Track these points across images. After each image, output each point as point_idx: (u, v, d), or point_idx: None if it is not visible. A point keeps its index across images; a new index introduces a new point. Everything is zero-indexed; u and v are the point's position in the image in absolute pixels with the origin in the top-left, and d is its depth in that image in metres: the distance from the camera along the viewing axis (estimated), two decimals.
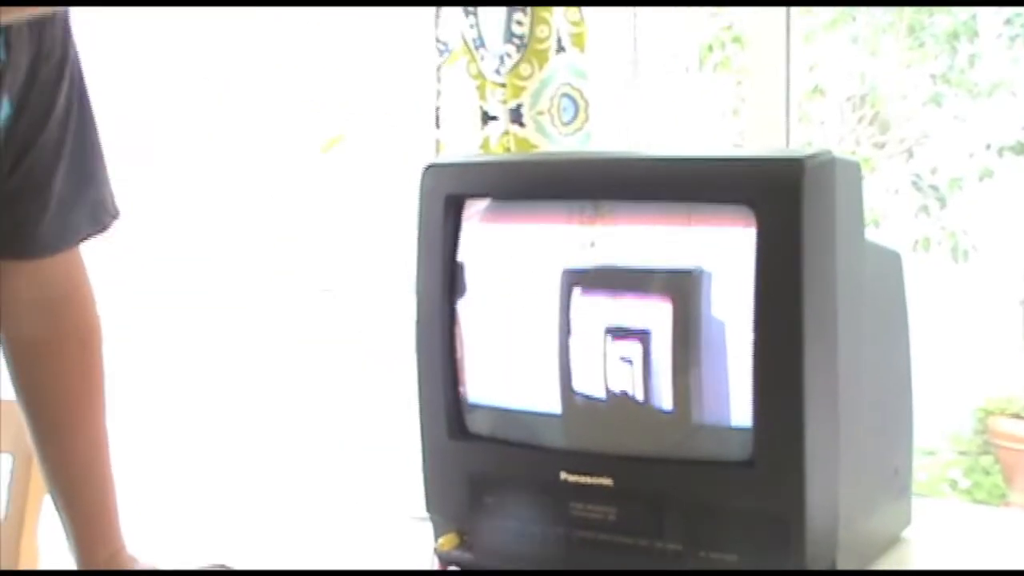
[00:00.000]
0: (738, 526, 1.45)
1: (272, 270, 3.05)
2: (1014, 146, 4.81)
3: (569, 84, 2.36)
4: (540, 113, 2.35)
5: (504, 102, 2.36)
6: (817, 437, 1.41)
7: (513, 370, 1.61)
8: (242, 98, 3.04)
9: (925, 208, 4.72)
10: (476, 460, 1.63)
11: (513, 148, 2.35)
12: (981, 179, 4.73)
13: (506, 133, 2.36)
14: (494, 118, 2.38)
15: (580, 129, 2.37)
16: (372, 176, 2.99)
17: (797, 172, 1.41)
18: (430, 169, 1.65)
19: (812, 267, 1.40)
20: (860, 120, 4.83)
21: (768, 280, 1.41)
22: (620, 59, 2.60)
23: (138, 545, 1.62)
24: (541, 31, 2.34)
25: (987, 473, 4.61)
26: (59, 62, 1.48)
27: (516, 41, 2.33)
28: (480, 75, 2.38)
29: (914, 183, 4.77)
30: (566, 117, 2.38)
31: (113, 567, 1.59)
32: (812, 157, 1.43)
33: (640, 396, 1.49)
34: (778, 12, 2.40)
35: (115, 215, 1.59)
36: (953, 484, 4.53)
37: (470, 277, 1.62)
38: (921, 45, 4.76)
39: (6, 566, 1.82)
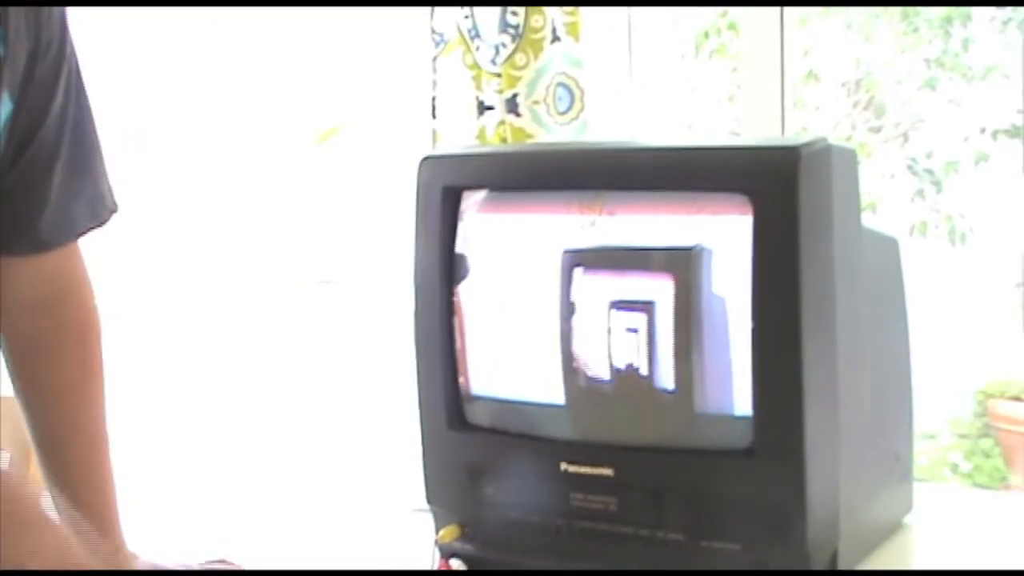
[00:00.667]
0: (739, 515, 1.45)
1: (270, 262, 3.05)
2: (1009, 129, 4.81)
3: (564, 73, 2.36)
4: (536, 103, 2.35)
5: (500, 92, 2.35)
6: (817, 424, 1.41)
7: (513, 360, 1.61)
8: (237, 90, 3.04)
9: (921, 192, 4.73)
10: (476, 451, 1.63)
11: (509, 138, 2.35)
12: (976, 163, 4.73)
13: (502, 123, 2.36)
14: (490, 108, 2.37)
15: (576, 118, 2.37)
16: (368, 167, 2.99)
17: (793, 160, 1.41)
18: (427, 160, 1.65)
19: (809, 255, 1.40)
20: (855, 105, 4.83)
21: (766, 268, 1.41)
22: (615, 48, 2.60)
23: (138, 541, 1.62)
24: (536, 21, 2.33)
25: (987, 456, 4.62)
26: (57, 56, 1.48)
27: (511, 31, 2.33)
28: (476, 65, 2.38)
29: (910, 167, 4.77)
30: (562, 106, 2.37)
31: (113, 565, 1.59)
32: (808, 145, 1.43)
33: (645, 370, 1.48)
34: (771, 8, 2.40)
35: (114, 209, 1.59)
36: (954, 468, 4.53)
37: (469, 268, 1.62)
38: (915, 30, 4.76)
39: None
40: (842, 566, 1.48)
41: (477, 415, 1.64)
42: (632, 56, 2.65)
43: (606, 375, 1.52)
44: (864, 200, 1.56)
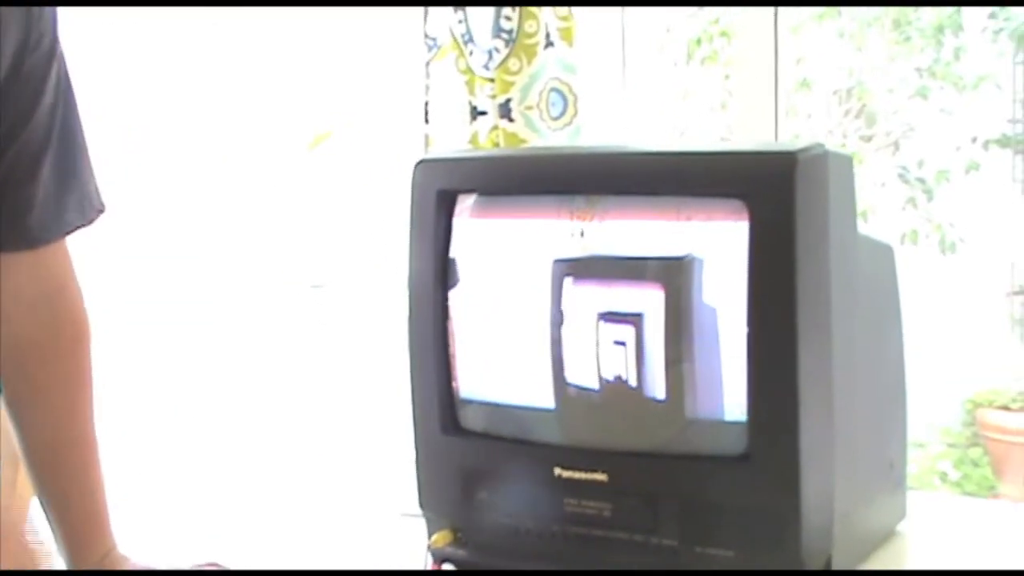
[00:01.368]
0: (734, 521, 1.44)
1: (262, 266, 3.05)
2: (1000, 139, 4.83)
3: (558, 79, 2.36)
4: (529, 108, 2.35)
5: (493, 97, 2.35)
6: (812, 431, 1.41)
7: (506, 365, 1.60)
8: (232, 94, 3.03)
9: (912, 201, 4.74)
10: (469, 456, 1.63)
11: (502, 143, 2.35)
12: (967, 172, 4.74)
13: (495, 128, 2.36)
14: (483, 113, 2.37)
15: (569, 124, 2.37)
16: (361, 171, 2.99)
17: (790, 165, 1.41)
18: (422, 164, 1.64)
19: (805, 260, 1.40)
20: (847, 113, 4.84)
21: (762, 274, 1.41)
22: (609, 54, 2.60)
23: (129, 544, 1.62)
24: (530, 26, 2.33)
25: (976, 465, 4.63)
26: (47, 54, 1.47)
27: (504, 36, 2.32)
28: (469, 70, 2.38)
29: (901, 176, 4.79)
30: (555, 112, 2.37)
31: (105, 568, 1.58)
32: (804, 150, 1.43)
33: (633, 382, 1.48)
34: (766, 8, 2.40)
35: (101, 209, 1.58)
36: (943, 476, 4.54)
37: (463, 272, 1.61)
38: (907, 39, 4.78)
39: None
40: None
41: (471, 420, 1.63)
42: (625, 62, 2.66)
43: (595, 384, 1.51)
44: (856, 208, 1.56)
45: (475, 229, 1.61)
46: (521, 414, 1.59)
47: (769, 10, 2.42)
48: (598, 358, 1.51)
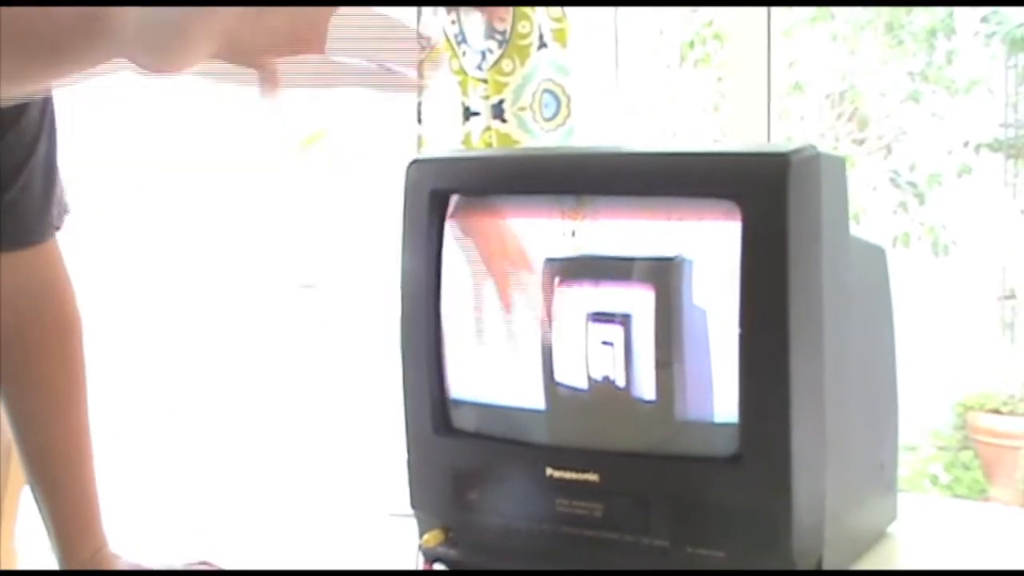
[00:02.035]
0: (725, 522, 1.44)
1: (253, 266, 3.05)
2: (991, 143, 4.84)
3: (551, 80, 2.36)
4: (522, 109, 2.35)
5: (486, 98, 2.35)
6: (804, 432, 1.41)
7: (497, 365, 1.60)
8: (223, 94, 3.03)
9: (904, 204, 4.75)
10: (461, 456, 1.63)
11: (495, 144, 2.35)
12: (959, 175, 4.75)
13: (488, 129, 2.36)
14: (476, 114, 2.37)
15: (562, 125, 2.37)
16: (353, 172, 2.98)
17: (782, 167, 1.41)
18: (415, 164, 1.64)
19: (798, 262, 1.40)
20: (839, 117, 4.84)
21: (754, 275, 1.41)
22: (602, 55, 2.60)
23: (122, 543, 1.62)
24: (523, 27, 2.33)
25: (967, 468, 4.63)
26: None
27: (498, 37, 2.33)
28: (462, 71, 2.38)
29: (893, 180, 4.79)
30: (548, 113, 2.37)
31: (95, 566, 1.58)
32: (797, 152, 1.43)
33: (621, 382, 1.48)
34: (759, 8, 2.40)
35: (68, 211, 1.59)
36: (934, 479, 4.55)
37: (455, 272, 1.61)
38: (899, 43, 4.78)
39: None
40: None
41: (462, 420, 1.63)
42: (618, 64, 2.66)
43: (584, 384, 1.51)
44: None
45: (468, 229, 1.61)
46: (513, 414, 1.59)
47: (762, 13, 2.42)
48: (587, 358, 1.51)
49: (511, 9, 2.27)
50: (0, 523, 1.83)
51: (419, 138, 2.47)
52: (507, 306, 1.58)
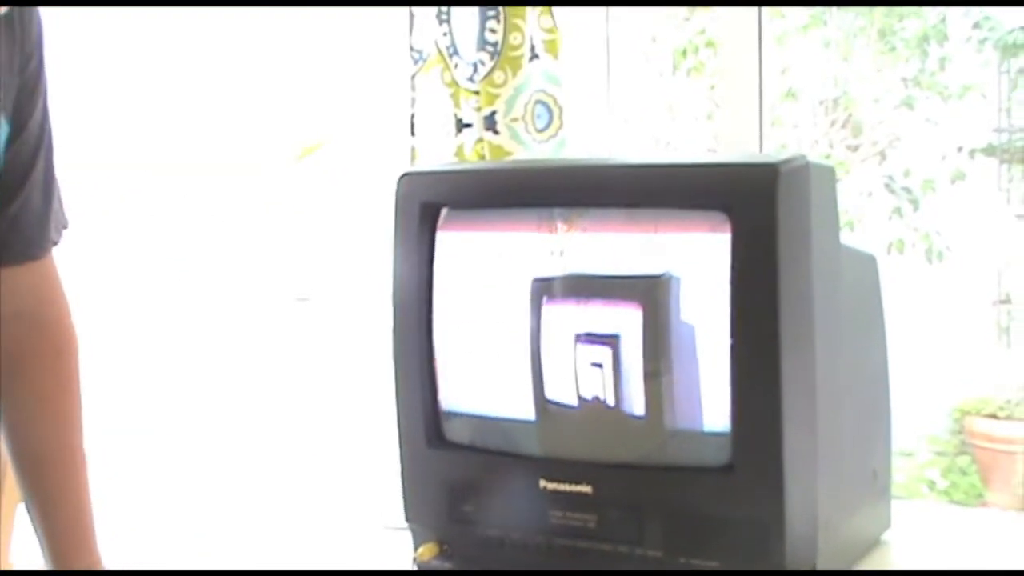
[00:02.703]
0: (718, 531, 1.45)
1: (248, 279, 3.05)
2: (985, 148, 4.83)
3: (543, 91, 2.36)
4: (514, 120, 2.35)
5: (478, 109, 2.35)
6: (796, 441, 1.41)
7: (489, 378, 1.61)
8: (219, 106, 3.03)
9: (898, 210, 4.75)
10: (455, 469, 1.63)
11: (487, 155, 2.35)
12: (953, 181, 4.75)
13: (480, 140, 2.36)
14: (468, 125, 2.37)
15: (555, 136, 2.37)
16: (347, 184, 2.99)
17: (772, 177, 1.41)
18: (406, 177, 1.65)
19: (788, 271, 1.40)
20: (833, 123, 4.85)
21: (744, 285, 1.41)
22: (594, 65, 2.60)
23: (117, 556, 1.62)
24: (514, 38, 2.33)
25: (964, 473, 4.63)
26: (36, 69, 1.48)
27: (490, 48, 2.33)
28: (454, 83, 2.38)
29: (887, 185, 4.79)
30: (540, 124, 2.37)
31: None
32: (786, 162, 1.43)
33: (611, 401, 1.49)
34: (750, 16, 2.40)
35: (66, 225, 1.59)
36: (931, 485, 4.54)
37: (446, 285, 1.62)
38: (892, 49, 4.79)
39: None
40: None
41: (456, 432, 1.63)
42: (610, 74, 2.66)
43: (574, 402, 1.52)
44: (842, 218, 1.56)
45: (459, 242, 1.62)
46: (506, 427, 1.60)
47: (754, 20, 2.42)
48: (576, 378, 1.51)
49: None
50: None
51: (412, 150, 2.47)
52: (496, 320, 1.58)
